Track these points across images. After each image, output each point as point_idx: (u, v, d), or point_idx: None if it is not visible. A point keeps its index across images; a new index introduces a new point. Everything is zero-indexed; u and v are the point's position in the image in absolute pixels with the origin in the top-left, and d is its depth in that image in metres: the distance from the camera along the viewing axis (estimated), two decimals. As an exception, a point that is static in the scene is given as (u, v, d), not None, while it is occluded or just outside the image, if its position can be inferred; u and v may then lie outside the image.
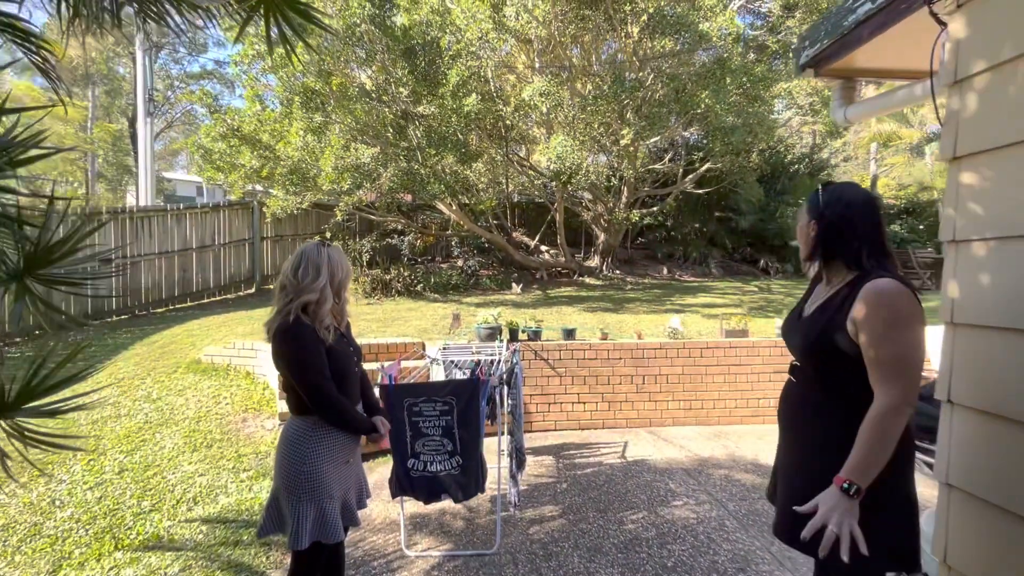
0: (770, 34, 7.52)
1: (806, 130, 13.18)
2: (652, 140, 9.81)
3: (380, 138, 8.86)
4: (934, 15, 1.69)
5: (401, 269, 10.27)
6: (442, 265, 11.77)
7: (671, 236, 14.03)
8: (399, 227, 11.51)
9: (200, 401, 4.91)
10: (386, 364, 3.04)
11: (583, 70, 8.26)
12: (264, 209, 9.64)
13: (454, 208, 10.53)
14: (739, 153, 8.07)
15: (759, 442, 4.59)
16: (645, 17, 6.18)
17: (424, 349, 5.38)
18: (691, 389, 5.11)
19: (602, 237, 12.59)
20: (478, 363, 3.62)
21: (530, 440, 4.62)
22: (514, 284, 9.93)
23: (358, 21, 7.21)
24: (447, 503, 2.67)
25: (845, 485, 1.28)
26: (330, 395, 1.77)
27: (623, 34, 6.54)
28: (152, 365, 5.82)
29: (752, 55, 6.90)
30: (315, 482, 1.78)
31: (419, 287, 9.96)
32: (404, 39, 7.88)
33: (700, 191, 12.21)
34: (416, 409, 2.45)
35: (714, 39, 6.21)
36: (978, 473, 1.52)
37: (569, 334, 5.13)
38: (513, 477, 2.94)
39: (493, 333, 4.82)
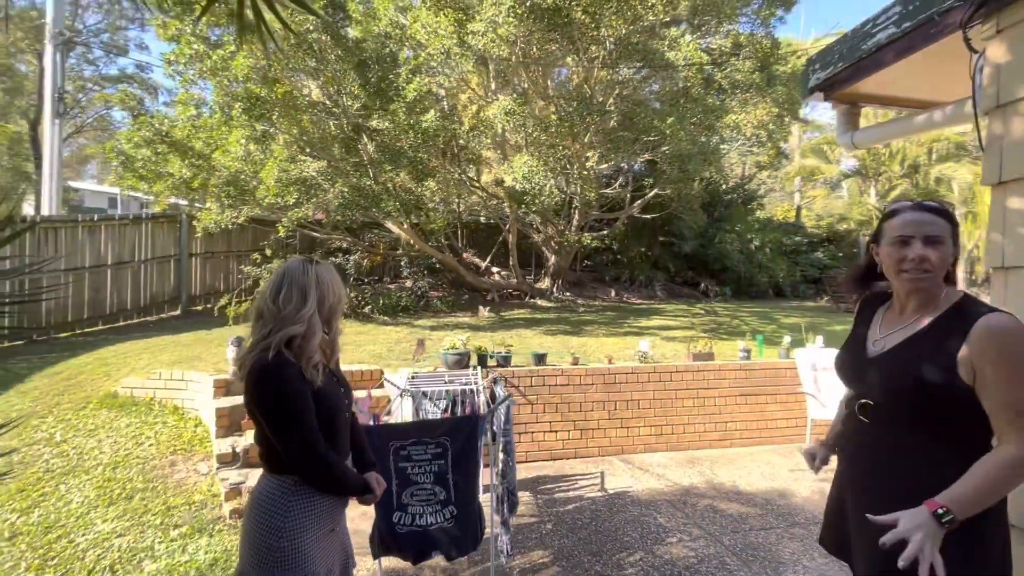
0: (716, 68, 7.92)
1: (751, 161, 14.02)
2: (604, 166, 9.99)
3: (328, 151, 8.39)
4: (967, 40, 1.67)
5: (347, 290, 9.69)
6: (390, 286, 11.26)
7: (618, 259, 14.33)
8: (344, 245, 10.92)
9: (117, 443, 4.21)
10: (356, 401, 2.67)
11: (540, 93, 8.28)
12: (194, 223, 8.80)
13: (405, 227, 10.14)
14: (690, 180, 8.34)
15: (732, 467, 4.56)
16: (610, 43, 6.28)
17: (383, 376, 4.97)
18: (661, 414, 5.03)
19: (553, 259, 12.61)
20: (455, 394, 3.31)
21: (502, 474, 4.31)
22: (481, 307, 9.65)
23: (311, 28, 6.82)
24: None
25: (940, 511, 1.12)
26: (318, 454, 1.43)
27: (586, 58, 6.61)
28: (54, 400, 4.97)
29: (700, 89, 7.21)
30: (295, 559, 1.42)
31: (367, 309, 9.42)
32: (357, 51, 7.55)
33: (646, 216, 12.58)
34: (404, 453, 2.12)
35: (679, 67, 6.42)
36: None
37: (539, 359, 4.91)
38: (505, 523, 2.64)
39: (462, 360, 4.52)
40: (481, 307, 10.27)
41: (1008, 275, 1.54)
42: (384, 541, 2.13)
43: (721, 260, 14.62)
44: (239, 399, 4.45)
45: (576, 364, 5.02)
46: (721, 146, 8.33)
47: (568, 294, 12.77)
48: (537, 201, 6.99)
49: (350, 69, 7.65)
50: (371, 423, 2.12)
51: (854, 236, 15.82)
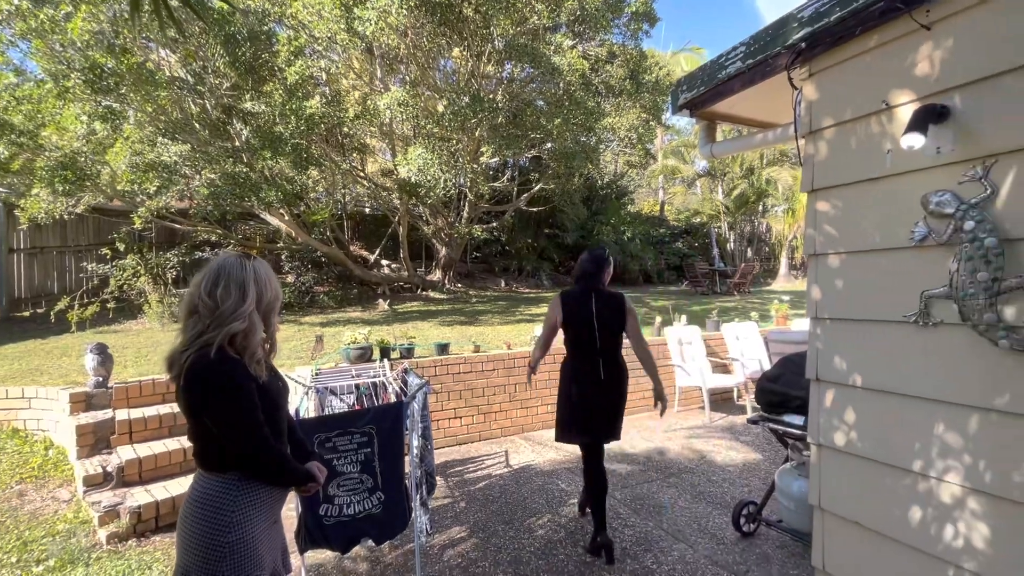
0: (594, 74, 8.61)
1: (621, 160, 15.26)
2: (493, 160, 10.31)
3: (194, 134, 7.57)
4: (790, 79, 2.16)
5: (221, 287, 8.86)
6: (270, 282, 10.50)
7: (506, 251, 14.85)
8: (214, 239, 9.92)
9: (-60, 477, 3.53)
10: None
11: (429, 85, 8.29)
12: (18, 212, 7.40)
13: (286, 218, 9.52)
14: (572, 176, 8.98)
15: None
16: (499, 42, 6.51)
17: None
18: (556, 392, 5.45)
19: (444, 251, 12.70)
20: (364, 388, 3.34)
21: (410, 463, 4.40)
22: (381, 301, 9.37)
23: (169, -5, 6.09)
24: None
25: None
26: (270, 447, 1.46)
27: (476, 53, 6.77)
28: None
29: (581, 92, 7.81)
30: (245, 552, 1.44)
31: (245, 307, 8.72)
32: (223, 23, 6.89)
33: (533, 209, 13.20)
34: (329, 445, 2.16)
35: (564, 72, 6.87)
36: (841, 433, 1.97)
37: (442, 349, 5.05)
38: (424, 504, 2.77)
39: (364, 353, 4.49)
40: (371, 301, 10.04)
41: (818, 260, 2.04)
42: (311, 534, 2.15)
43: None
44: (105, 414, 3.97)
45: (478, 351, 5.23)
46: (599, 146, 9.07)
47: (460, 285, 12.96)
48: (432, 194, 7.04)
49: (216, 44, 6.97)
50: (295, 418, 2.12)
51: (707, 228, 18.09)
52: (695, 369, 5.82)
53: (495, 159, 9.18)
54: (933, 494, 1.69)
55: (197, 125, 7.69)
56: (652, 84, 9.72)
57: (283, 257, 10.84)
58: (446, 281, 12.77)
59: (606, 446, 3.16)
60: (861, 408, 1.89)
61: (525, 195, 12.49)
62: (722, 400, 6.33)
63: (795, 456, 2.69)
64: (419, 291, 12.15)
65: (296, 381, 3.49)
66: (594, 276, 2.98)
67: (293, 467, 1.55)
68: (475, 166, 8.02)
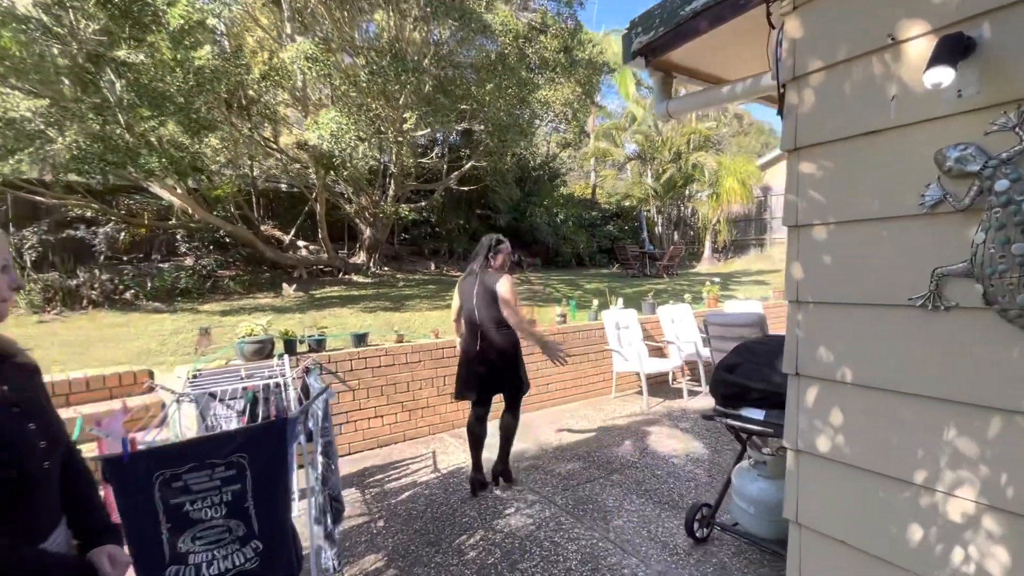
0: (528, 43, 8.12)
1: (554, 141, 14.93)
2: (420, 133, 9.57)
3: (54, 87, 6.26)
4: (769, 15, 1.80)
5: (96, 271, 7.57)
6: (162, 265, 9.19)
7: (436, 232, 14.16)
8: (90, 214, 8.47)
9: None
10: (101, 417, 1.94)
11: (348, 43, 7.41)
12: None
13: (179, 192, 8.28)
14: (505, 153, 8.49)
15: (556, 425, 4.80)
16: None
17: (153, 379, 3.94)
18: (489, 384, 5.03)
19: (368, 232, 11.82)
20: (256, 392, 2.71)
21: (322, 473, 3.80)
22: (286, 286, 8.41)
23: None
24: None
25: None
26: None
27: (396, 11, 6.05)
28: None
29: (516, 59, 7.30)
30: None
31: (128, 294, 7.51)
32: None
33: (464, 188, 12.59)
34: (179, 485, 1.56)
35: (497, 32, 6.29)
36: (825, 437, 1.68)
37: (359, 340, 4.44)
38: (329, 536, 2.23)
39: (263, 348, 3.80)
40: (286, 285, 9.08)
41: (800, 232, 1.72)
42: (154, 610, 1.56)
43: (532, 233, 15.56)
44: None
45: (401, 341, 4.67)
46: (534, 120, 8.63)
47: (386, 268, 12.16)
48: (348, 165, 6.28)
49: (78, -24, 5.72)
50: (122, 452, 1.50)
51: (637, 211, 18.34)
52: (633, 354, 5.61)
53: (423, 131, 8.48)
54: (939, 511, 1.41)
55: (60, 76, 6.35)
56: (586, 61, 9.39)
57: (179, 237, 9.53)
58: (371, 264, 11.93)
59: (542, 440, 3.97)
60: (851, 408, 1.59)
61: (455, 173, 11.85)
62: (657, 384, 6.21)
63: (754, 454, 2.44)
64: (341, 275, 11.24)
65: (165, 388, 2.79)
66: (479, 259, 3.44)
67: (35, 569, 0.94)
68: (400, 138, 7.31)
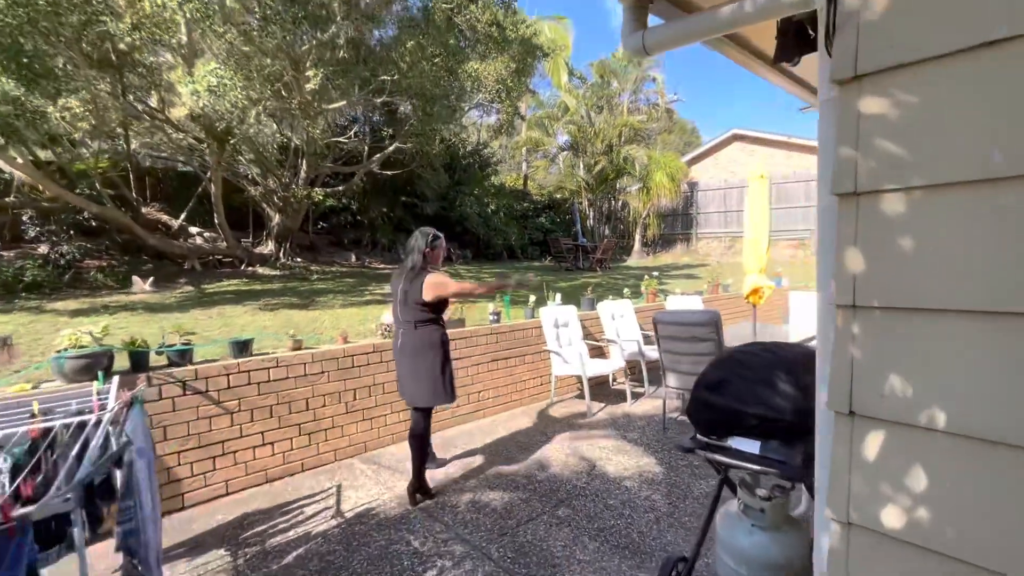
0: (457, 13, 7.34)
1: (486, 127, 14.18)
2: (334, 106, 8.49)
3: None
4: None
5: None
6: (5, 253, 7.47)
7: (358, 221, 13.00)
8: None
9: None
10: None
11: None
12: None
13: (20, 163, 6.68)
14: (432, 135, 7.65)
15: (489, 440, 4.15)
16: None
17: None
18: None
19: (277, 218, 10.51)
20: (44, 438, 1.80)
21: (179, 527, 2.88)
22: (137, 279, 7.07)
23: None
24: None
25: None
26: None
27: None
28: None
29: (443, 20, 6.49)
30: None
31: (-53, 290, 5.92)
32: None
33: (387, 173, 11.56)
34: None
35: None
36: (898, 509, 1.14)
37: (242, 348, 3.51)
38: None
39: (94, 364, 2.80)
40: (171, 279, 7.71)
41: (860, 203, 1.15)
42: None
43: (462, 223, 14.78)
44: None
45: (300, 348, 3.79)
46: (464, 96, 7.87)
47: (299, 260, 10.90)
48: (238, 131, 5.18)
49: None
50: None
51: (569, 204, 18.10)
52: (573, 355, 5.08)
53: (338, 104, 7.44)
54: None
55: None
56: (520, 39, 8.76)
57: (27, 218, 7.81)
58: (281, 255, 10.63)
59: (473, 464, 3.56)
60: (947, 469, 1.06)
61: (378, 156, 10.81)
62: (597, 385, 5.74)
63: (745, 498, 1.92)
64: (244, 267, 9.89)
65: None
66: (414, 255, 3.22)
67: None
68: (309, 107, 6.27)
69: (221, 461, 3.28)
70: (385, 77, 6.79)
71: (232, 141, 6.30)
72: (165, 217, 10.03)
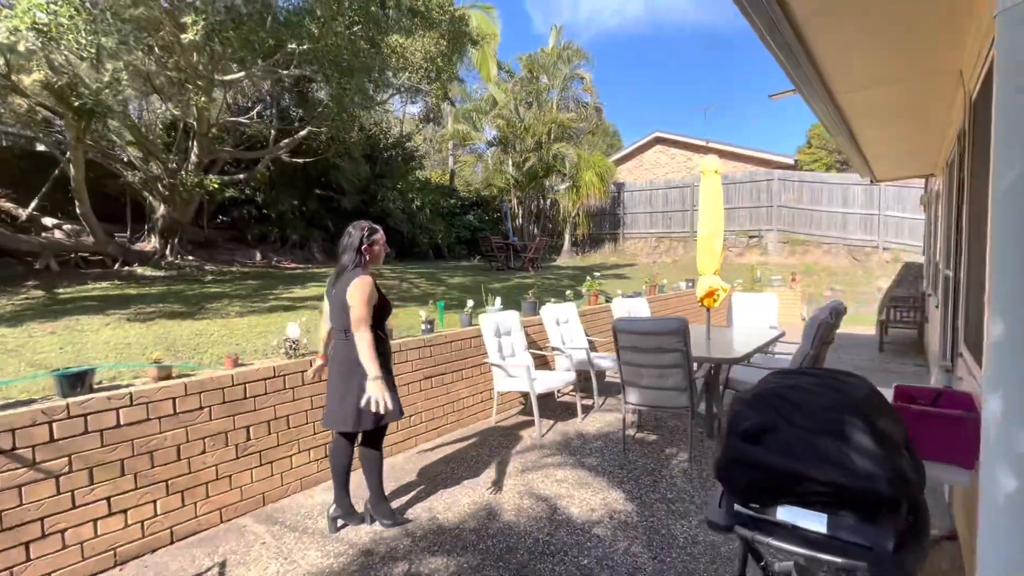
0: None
1: (410, 123, 13.19)
2: (232, 77, 7.25)
3: None
4: None
5: None
6: None
7: (264, 215, 11.55)
8: None
9: None
10: None
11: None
12: None
13: None
14: (352, 126, 6.70)
15: (423, 480, 3.43)
16: None
17: None
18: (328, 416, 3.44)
19: (162, 210, 8.96)
20: None
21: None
22: (34, 281, 5.54)
23: None
24: None
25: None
26: None
27: None
28: None
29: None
30: None
31: None
32: None
33: (298, 161, 10.31)
34: None
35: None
36: None
37: (75, 382, 2.52)
38: None
39: None
40: (15, 281, 6.14)
41: None
42: None
43: (384, 219, 13.72)
44: None
45: (168, 377, 2.85)
46: (386, 73, 6.99)
47: (192, 259, 9.38)
48: (93, 96, 4.01)
49: None
50: None
51: (498, 201, 17.57)
52: (519, 368, 4.47)
53: (236, 75, 6.30)
54: None
55: None
56: (449, 18, 8.03)
57: None
58: (168, 252, 9.09)
59: (410, 507, 3.08)
60: None
61: (286, 141, 9.56)
62: (542, 398, 5.18)
63: (804, 590, 1.41)
64: (119, 266, 8.29)
65: None
66: (350, 253, 2.80)
67: None
68: (196, 75, 5.13)
69: (40, 546, 2.29)
70: (293, 45, 5.78)
71: (97, 113, 4.95)
72: (9, 205, 8.16)
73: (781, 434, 1.41)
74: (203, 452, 2.84)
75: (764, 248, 13.97)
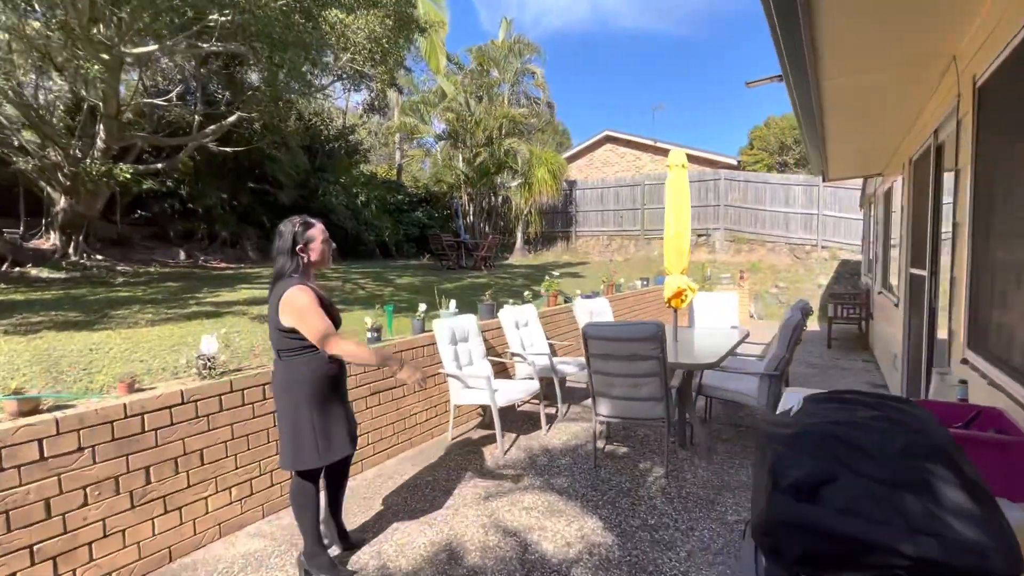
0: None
1: (353, 117, 12.40)
2: (144, 50, 6.36)
3: None
4: None
5: None
6: None
7: (190, 209, 10.48)
8: None
9: None
10: None
11: None
12: None
13: None
14: (288, 110, 6.03)
15: (370, 511, 2.96)
16: None
17: None
18: (251, 458, 2.90)
19: (63, 202, 7.87)
20: None
21: None
22: None
23: None
24: None
25: None
26: None
27: None
28: None
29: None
30: None
31: None
32: None
33: (228, 150, 9.37)
34: None
35: None
36: None
37: None
38: None
39: None
40: None
41: None
42: None
43: (326, 215, 12.88)
44: None
45: (34, 412, 2.23)
46: (326, 51, 6.34)
47: (101, 258, 8.30)
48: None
49: None
50: None
51: (448, 198, 17.01)
52: (478, 379, 4.06)
53: (147, 49, 5.48)
54: None
55: None
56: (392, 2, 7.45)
57: None
58: (71, 251, 8.01)
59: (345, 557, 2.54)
60: None
61: (213, 127, 8.64)
62: (502, 411, 4.79)
63: None
64: (9, 267, 7.18)
65: None
66: (284, 256, 2.28)
67: None
68: (93, 43, 4.35)
69: None
70: (216, 15, 5.07)
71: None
72: None
73: (845, 488, 1.09)
74: (84, 505, 2.24)
75: (712, 246, 14.24)
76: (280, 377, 2.30)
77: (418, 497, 3.19)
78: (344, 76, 8.42)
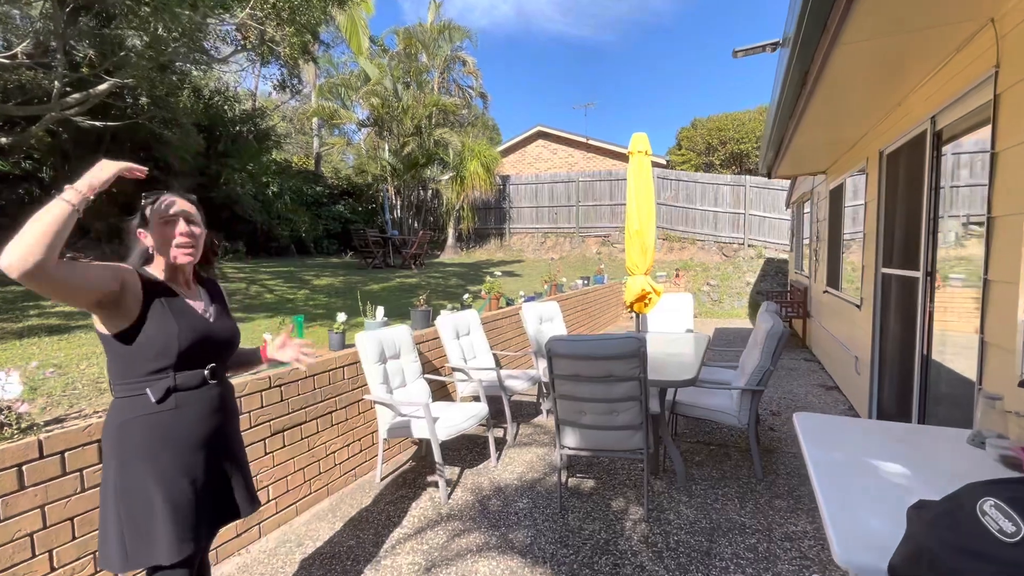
0: None
1: (264, 100, 10.94)
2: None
3: None
4: None
5: None
6: None
7: (51, 196, 8.66)
8: None
9: None
10: None
11: None
12: None
13: None
14: (179, 91, 4.87)
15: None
16: None
17: None
18: (78, 552, 1.98)
19: None
20: None
21: None
22: None
23: None
24: None
25: None
26: None
27: None
28: None
29: None
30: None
31: None
32: None
33: (98, 124, 7.78)
34: None
35: None
36: None
37: None
38: None
39: None
40: None
41: None
42: None
43: (230, 206, 11.37)
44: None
45: None
46: (219, 12, 5.21)
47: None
48: None
49: None
50: None
51: (373, 191, 15.83)
52: (414, 406, 3.30)
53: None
54: None
55: None
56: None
57: None
58: None
59: None
60: None
61: (78, 95, 7.09)
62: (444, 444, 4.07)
63: None
64: None
65: None
66: (137, 250, 1.59)
67: None
68: None
69: None
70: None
71: None
72: None
73: None
74: None
75: (645, 244, 14.25)
76: (106, 429, 1.49)
77: (338, 568, 2.40)
78: (247, 46, 7.21)
